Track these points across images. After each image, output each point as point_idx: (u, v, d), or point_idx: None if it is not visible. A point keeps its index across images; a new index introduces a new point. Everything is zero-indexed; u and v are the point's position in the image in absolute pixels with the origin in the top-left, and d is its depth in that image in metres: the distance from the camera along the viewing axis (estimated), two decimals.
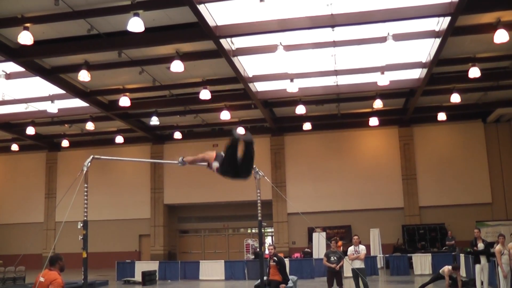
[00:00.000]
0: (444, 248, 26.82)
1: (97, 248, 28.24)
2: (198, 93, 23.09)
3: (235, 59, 19.92)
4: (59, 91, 23.34)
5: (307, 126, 29.11)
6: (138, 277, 23.34)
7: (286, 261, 18.91)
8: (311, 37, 18.54)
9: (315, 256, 25.46)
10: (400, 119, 29.75)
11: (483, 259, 14.43)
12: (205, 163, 7.91)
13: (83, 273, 7.68)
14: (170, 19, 16.97)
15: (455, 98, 24.13)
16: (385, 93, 24.99)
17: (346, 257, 15.00)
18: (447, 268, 15.92)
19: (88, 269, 7.82)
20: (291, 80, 22.32)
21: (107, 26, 17.39)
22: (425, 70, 21.50)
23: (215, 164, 7.59)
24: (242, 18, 17.07)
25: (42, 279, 7.42)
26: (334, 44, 19.08)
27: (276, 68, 21.59)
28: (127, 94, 23.83)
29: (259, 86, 23.99)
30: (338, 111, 28.19)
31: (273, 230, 31.90)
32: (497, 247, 13.67)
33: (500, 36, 17.15)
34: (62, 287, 7.44)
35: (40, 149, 34.87)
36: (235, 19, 17.13)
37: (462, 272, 20.51)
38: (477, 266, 14.50)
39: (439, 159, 29.90)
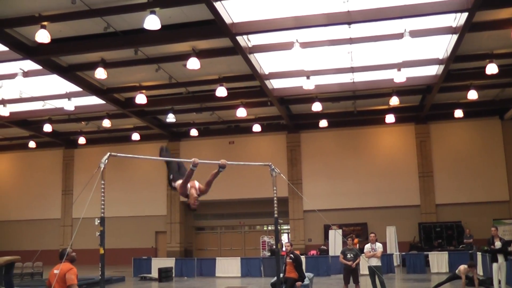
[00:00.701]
0: (461, 246, 26.65)
1: (113, 245, 28.37)
2: (214, 90, 23.11)
3: (251, 56, 19.92)
4: (75, 88, 23.51)
5: (323, 123, 29.03)
6: (154, 273, 23.49)
7: (302, 258, 18.87)
8: (327, 34, 18.47)
9: (331, 253, 25.44)
10: (417, 116, 29.58)
11: (500, 258, 14.31)
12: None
13: (100, 269, 7.72)
14: (186, 17, 16.99)
15: (472, 94, 23.94)
16: (401, 90, 24.86)
17: (362, 254, 14.96)
18: (463, 267, 15.80)
19: (105, 265, 7.86)
20: (307, 77, 22.26)
21: (124, 24, 17.47)
22: (442, 67, 21.35)
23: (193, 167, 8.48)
24: (259, 15, 17.06)
25: (56, 271, 7.86)
26: (351, 41, 18.99)
27: (292, 65, 21.52)
28: (144, 91, 23.90)
29: (275, 83, 23.97)
30: (354, 108, 28.08)
31: (289, 227, 31.88)
32: None
33: None
34: (75, 273, 7.96)
35: (57, 146, 35.16)
36: (251, 16, 17.12)
37: (479, 270, 20.40)
38: (495, 265, 14.39)
39: (456, 156, 29.70)
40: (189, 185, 8.70)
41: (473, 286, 15.77)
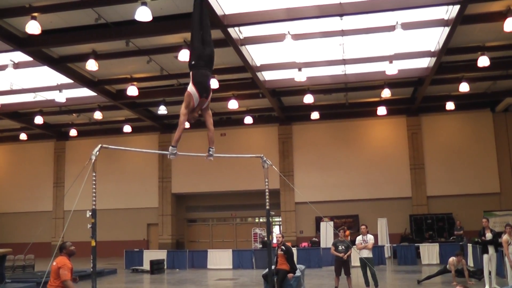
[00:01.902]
0: (451, 238, 26.81)
1: (105, 237, 28.32)
2: None
3: (243, 48, 19.88)
4: (67, 80, 23.39)
5: (315, 115, 29.04)
6: (146, 265, 23.49)
7: (294, 250, 18.92)
8: (319, 26, 18.46)
9: (322, 245, 25.51)
10: (408, 108, 29.66)
11: (491, 249, 14.38)
12: (194, 114, 8.42)
13: (92, 262, 7.70)
14: (177, 8, 16.93)
15: (464, 87, 24.00)
16: (393, 82, 24.92)
17: (354, 246, 15.02)
18: (451, 259, 15.94)
19: (96, 258, 7.85)
20: (299, 69, 22.26)
21: (115, 15, 17.40)
22: (433, 59, 21.38)
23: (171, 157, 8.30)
24: (250, 7, 17.02)
25: (54, 263, 8.11)
26: (343, 33, 19.00)
27: (284, 57, 21.52)
28: (135, 83, 23.84)
29: (267, 75, 23.95)
30: (346, 100, 28.11)
31: (280, 219, 31.93)
32: (504, 237, 13.62)
33: (510, 25, 16.95)
34: (70, 268, 8.08)
35: (48, 138, 35.03)
36: (242, 7, 17.09)
37: (470, 262, 20.54)
38: (485, 256, 14.45)
39: (447, 148, 29.81)
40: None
41: (464, 278, 15.88)
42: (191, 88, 8.15)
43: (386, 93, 24.81)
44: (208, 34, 8.37)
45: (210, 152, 8.62)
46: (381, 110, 28.14)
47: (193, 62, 8.20)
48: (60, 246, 8.26)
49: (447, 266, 16.15)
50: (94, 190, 7.85)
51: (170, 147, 8.36)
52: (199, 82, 8.11)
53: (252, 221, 34.28)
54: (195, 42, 8.26)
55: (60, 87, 24.53)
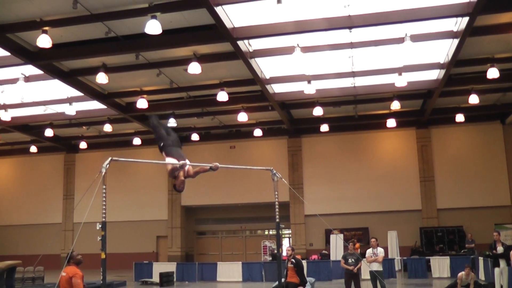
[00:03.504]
0: (462, 251, 26.61)
1: (115, 249, 28.33)
2: (215, 95, 23.12)
3: (252, 61, 19.92)
4: (77, 93, 23.52)
5: (324, 127, 29.00)
6: (155, 278, 23.45)
7: (304, 263, 18.85)
8: (328, 38, 18.48)
9: (332, 258, 25.39)
10: (418, 120, 29.58)
11: (502, 263, 14.30)
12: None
13: (101, 274, 7.70)
14: (187, 21, 17.01)
15: (473, 99, 23.93)
16: (402, 95, 24.85)
17: (364, 259, 14.94)
18: (460, 274, 15.88)
19: (106, 270, 7.85)
20: (309, 82, 22.27)
21: (125, 28, 17.50)
22: (443, 71, 21.34)
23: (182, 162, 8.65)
24: (259, 19, 17.06)
25: (64, 273, 8.20)
26: (352, 45, 19.01)
27: (293, 69, 21.54)
28: (145, 96, 23.92)
29: (276, 88, 23.98)
30: (355, 112, 28.09)
31: (290, 232, 31.84)
32: None
33: None
34: (82, 276, 8.27)
35: (58, 151, 35.17)
36: (252, 20, 17.13)
37: (481, 275, 20.37)
38: (496, 270, 14.37)
39: (457, 161, 29.67)
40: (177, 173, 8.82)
41: None
42: (168, 160, 8.87)
43: (395, 105, 24.77)
44: (169, 129, 10.09)
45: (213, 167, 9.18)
46: (391, 122, 28.07)
47: (161, 144, 9.24)
48: (69, 256, 8.36)
49: (457, 280, 16.05)
50: (104, 203, 7.86)
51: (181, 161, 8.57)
52: (173, 153, 8.93)
53: (262, 233, 34.19)
54: (161, 133, 9.59)
55: (70, 100, 24.66)
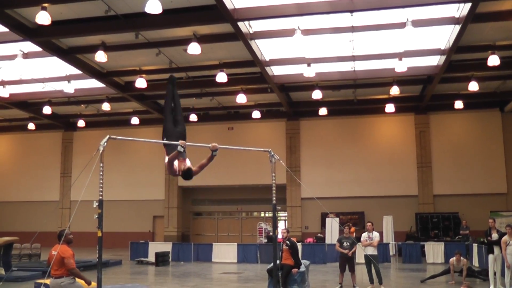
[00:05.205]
0: (457, 237, 26.73)
1: (111, 228, 28.37)
2: (214, 76, 23.08)
3: (252, 43, 19.86)
4: (75, 71, 23.45)
5: (323, 111, 29.00)
6: (151, 257, 23.54)
7: (299, 245, 18.92)
8: (329, 21, 18.43)
9: (327, 241, 25.52)
10: (417, 106, 29.55)
11: (496, 250, 14.31)
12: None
13: (97, 252, 7.72)
14: (188, 1, 16.93)
15: (473, 86, 23.92)
16: (402, 80, 24.83)
17: (359, 243, 15.01)
18: (451, 259, 16.00)
19: (102, 248, 7.86)
20: (308, 65, 22.23)
21: (125, 7, 17.40)
22: (443, 57, 21.30)
23: (180, 149, 8.45)
24: (261, 1, 16.99)
25: (54, 252, 8.19)
26: (353, 29, 18.93)
27: (293, 52, 21.46)
28: (144, 75, 23.86)
29: (276, 70, 23.93)
30: (355, 97, 28.06)
31: (286, 214, 31.94)
32: (504, 238, 13.58)
33: None
34: (72, 255, 8.33)
35: (56, 129, 35.13)
36: (253, 2, 17.06)
37: (475, 262, 20.48)
38: (490, 256, 14.39)
39: (455, 147, 29.71)
40: (176, 163, 8.73)
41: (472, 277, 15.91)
42: (167, 160, 8.82)
43: (394, 91, 24.75)
44: (179, 114, 9.47)
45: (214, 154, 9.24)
46: (390, 108, 28.03)
47: (165, 139, 9.05)
48: (59, 234, 8.28)
49: (450, 266, 16.16)
50: (101, 181, 7.85)
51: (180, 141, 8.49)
52: (174, 157, 8.62)
53: (258, 215, 34.30)
54: (167, 124, 9.16)
55: (68, 78, 24.60)
